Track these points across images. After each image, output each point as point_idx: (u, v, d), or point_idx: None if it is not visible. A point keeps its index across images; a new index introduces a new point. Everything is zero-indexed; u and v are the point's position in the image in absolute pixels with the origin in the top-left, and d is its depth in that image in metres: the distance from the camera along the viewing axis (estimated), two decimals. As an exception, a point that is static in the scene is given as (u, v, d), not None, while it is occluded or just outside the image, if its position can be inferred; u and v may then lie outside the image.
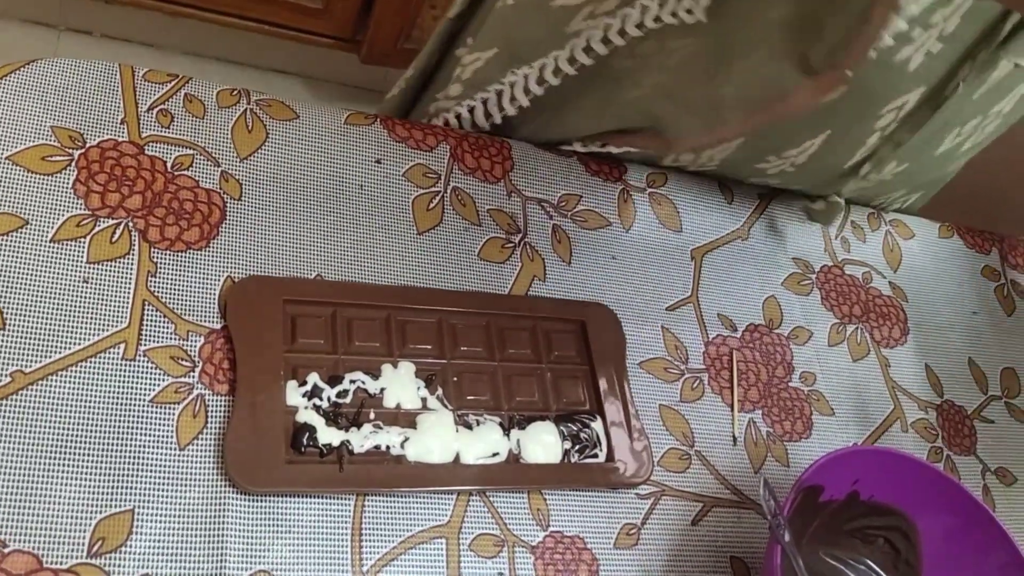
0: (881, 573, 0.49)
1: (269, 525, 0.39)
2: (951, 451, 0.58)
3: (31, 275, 0.40)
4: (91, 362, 0.39)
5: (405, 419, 0.44)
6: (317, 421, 0.42)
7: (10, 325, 0.39)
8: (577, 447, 0.46)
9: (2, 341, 0.38)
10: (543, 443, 0.46)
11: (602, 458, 0.47)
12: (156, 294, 0.42)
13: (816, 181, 0.59)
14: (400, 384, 0.44)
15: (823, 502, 0.47)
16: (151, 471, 0.38)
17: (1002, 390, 0.62)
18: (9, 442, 0.37)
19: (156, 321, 0.41)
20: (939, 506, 0.47)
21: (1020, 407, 0.62)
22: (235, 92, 0.49)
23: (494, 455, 0.44)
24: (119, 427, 0.38)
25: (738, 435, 0.52)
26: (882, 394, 0.58)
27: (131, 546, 0.36)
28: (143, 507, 0.37)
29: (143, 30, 1.16)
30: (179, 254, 0.44)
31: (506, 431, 0.45)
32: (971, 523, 0.46)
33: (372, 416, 0.43)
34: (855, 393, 0.57)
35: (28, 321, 0.39)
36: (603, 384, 0.49)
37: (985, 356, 0.63)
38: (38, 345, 0.39)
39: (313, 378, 0.43)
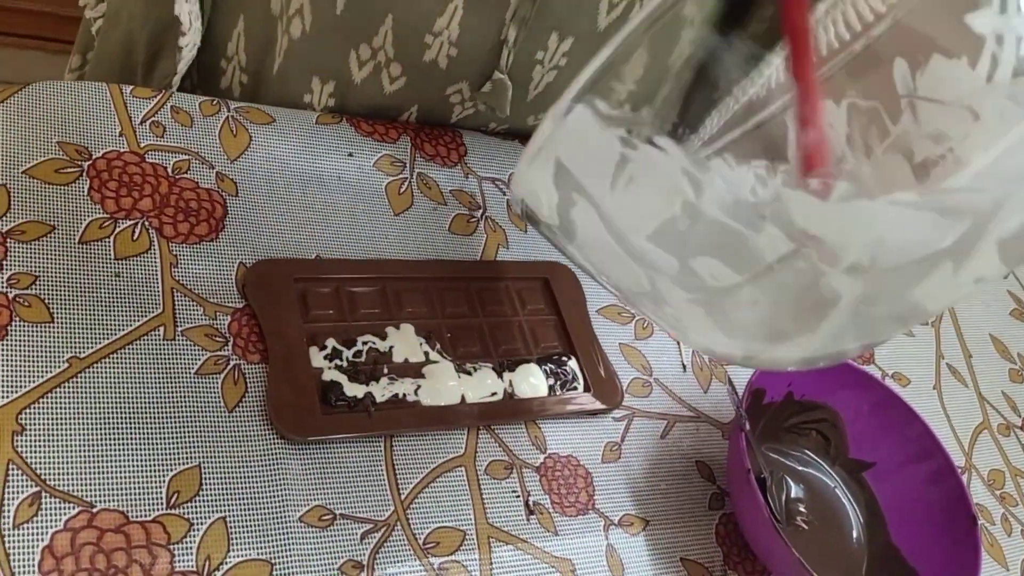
0: (817, 459, 0.58)
1: (317, 467, 0.44)
2: (855, 361, 0.68)
3: (68, 273, 0.44)
4: (137, 344, 0.44)
5: (413, 371, 0.50)
6: (341, 378, 0.47)
7: (58, 318, 0.43)
8: (559, 382, 0.53)
9: (54, 332, 0.42)
10: (531, 381, 0.53)
11: (580, 389, 0.54)
12: (181, 282, 0.47)
13: (477, 68, 0.57)
14: (404, 342, 0.50)
15: (766, 404, 0.56)
16: (208, 431, 0.43)
17: (888, 309, 0.74)
18: (79, 418, 0.41)
19: (186, 305, 0.46)
20: (857, 395, 0.56)
21: (903, 322, 0.74)
22: (215, 102, 0.54)
23: (492, 394, 0.51)
24: (172, 397, 0.43)
25: (686, 363, 0.60)
26: (795, 320, 0.68)
27: (204, 495, 0.41)
28: (208, 462, 0.42)
29: None
30: (194, 246, 0.48)
31: (499, 374, 0.52)
32: (883, 405, 0.56)
33: (386, 371, 0.49)
34: (773, 321, 0.66)
35: (73, 314, 0.43)
36: (571, 329, 0.56)
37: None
38: (87, 334, 0.43)
39: (331, 343, 0.48)
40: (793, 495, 0.56)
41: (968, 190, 0.26)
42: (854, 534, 0.56)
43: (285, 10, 0.54)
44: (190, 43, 0.55)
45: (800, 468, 0.58)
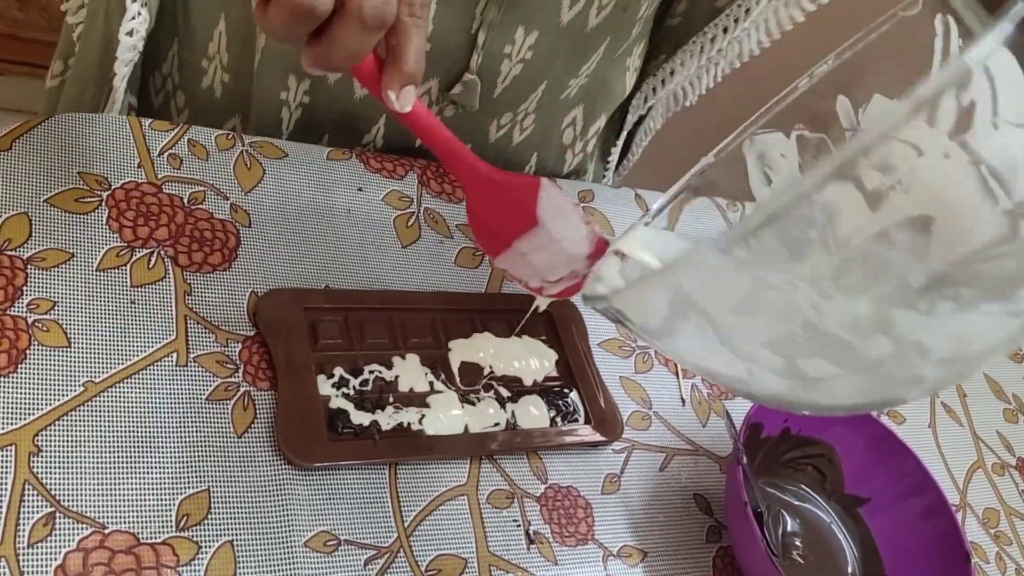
0: (813, 493, 0.59)
1: (323, 493, 0.45)
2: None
3: (85, 300, 0.45)
4: (150, 370, 0.45)
5: (418, 400, 0.51)
6: (348, 406, 0.48)
7: (75, 343, 0.44)
8: (560, 414, 0.54)
9: (71, 357, 0.43)
10: (533, 413, 0.54)
11: (581, 421, 0.55)
12: (194, 310, 0.48)
13: (447, 63, 0.58)
14: (410, 372, 0.51)
15: (763, 438, 0.57)
16: (217, 456, 0.44)
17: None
18: (93, 441, 0.42)
19: (199, 332, 0.47)
20: (852, 431, 0.57)
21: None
22: (230, 136, 0.56)
23: (495, 425, 0.52)
24: (184, 422, 0.44)
25: (685, 397, 0.61)
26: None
27: (212, 519, 0.42)
28: (217, 486, 0.43)
29: None
30: (207, 275, 0.50)
31: (502, 405, 0.53)
32: (877, 440, 0.57)
33: (391, 400, 0.50)
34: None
35: (90, 339, 0.44)
36: (573, 362, 0.57)
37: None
38: (102, 358, 0.44)
39: (338, 371, 0.49)
40: (789, 529, 0.57)
41: None
42: (849, 569, 0.57)
43: None
44: (132, 28, 0.53)
45: (796, 503, 0.58)
